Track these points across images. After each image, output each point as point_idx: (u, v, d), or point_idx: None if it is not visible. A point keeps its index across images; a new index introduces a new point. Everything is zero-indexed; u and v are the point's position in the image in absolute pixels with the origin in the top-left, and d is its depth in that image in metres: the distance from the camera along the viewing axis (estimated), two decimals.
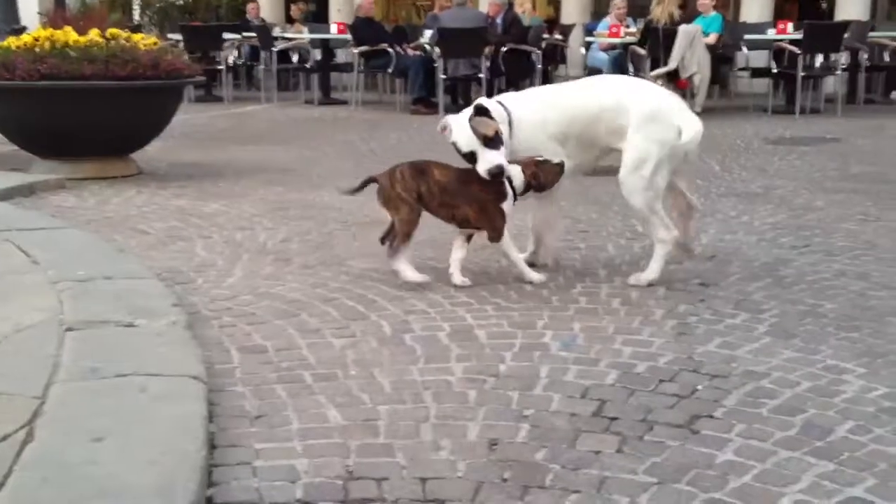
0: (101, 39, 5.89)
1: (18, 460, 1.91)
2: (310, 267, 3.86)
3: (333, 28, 12.97)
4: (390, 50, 11.53)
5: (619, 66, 10.99)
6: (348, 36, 12.11)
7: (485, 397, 2.48)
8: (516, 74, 11.54)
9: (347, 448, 2.18)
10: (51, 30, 6.05)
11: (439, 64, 10.75)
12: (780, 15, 13.72)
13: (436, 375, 2.64)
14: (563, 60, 13.57)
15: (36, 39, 5.93)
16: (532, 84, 11.86)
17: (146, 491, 1.82)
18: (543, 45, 12.04)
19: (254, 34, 12.96)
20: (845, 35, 10.53)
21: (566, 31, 13.85)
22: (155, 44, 6.31)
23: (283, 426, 2.30)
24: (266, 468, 2.08)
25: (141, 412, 2.19)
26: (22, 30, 7.57)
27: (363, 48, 11.57)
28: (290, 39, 13.00)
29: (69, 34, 5.87)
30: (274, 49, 12.64)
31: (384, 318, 3.17)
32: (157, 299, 3.12)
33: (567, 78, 13.68)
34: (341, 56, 13.00)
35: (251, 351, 2.85)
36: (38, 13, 12.24)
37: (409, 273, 3.54)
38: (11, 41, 6.07)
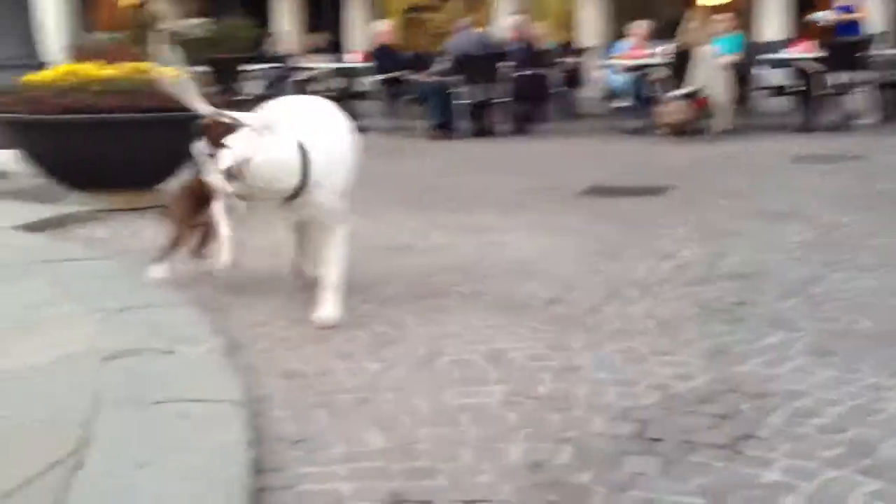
0: (122, 73, 5.96)
1: (68, 487, 1.93)
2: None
3: (352, 57, 13.07)
4: (409, 77, 11.60)
5: (638, 88, 11.01)
6: (369, 64, 12.19)
7: (525, 420, 2.48)
8: (534, 98, 11.57)
9: (390, 471, 2.19)
10: (74, 65, 6.14)
11: (456, 90, 10.81)
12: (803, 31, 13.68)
13: (473, 398, 2.65)
14: (582, 83, 13.59)
15: (60, 75, 6.02)
16: (550, 108, 11.93)
17: None
18: (561, 68, 12.08)
19: (278, 65, 13.08)
20: (867, 52, 10.52)
21: (583, 53, 13.89)
22: (180, 77, 6.37)
23: (324, 450, 2.31)
24: (310, 492, 2.09)
25: (184, 438, 2.21)
26: (45, 65, 7.67)
27: (384, 76, 11.66)
28: (310, 69, 13.11)
29: (92, 69, 5.95)
30: (295, 79, 12.73)
31: (416, 343, 3.18)
32: (193, 327, 3.15)
33: (585, 100, 13.75)
34: (361, 84, 13.08)
35: (289, 376, 2.86)
36: (63, 48, 12.43)
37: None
38: (35, 76, 6.16)
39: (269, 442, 2.35)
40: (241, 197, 3.29)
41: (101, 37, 12.69)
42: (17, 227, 5.00)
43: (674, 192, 6.44)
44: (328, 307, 3.43)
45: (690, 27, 10.67)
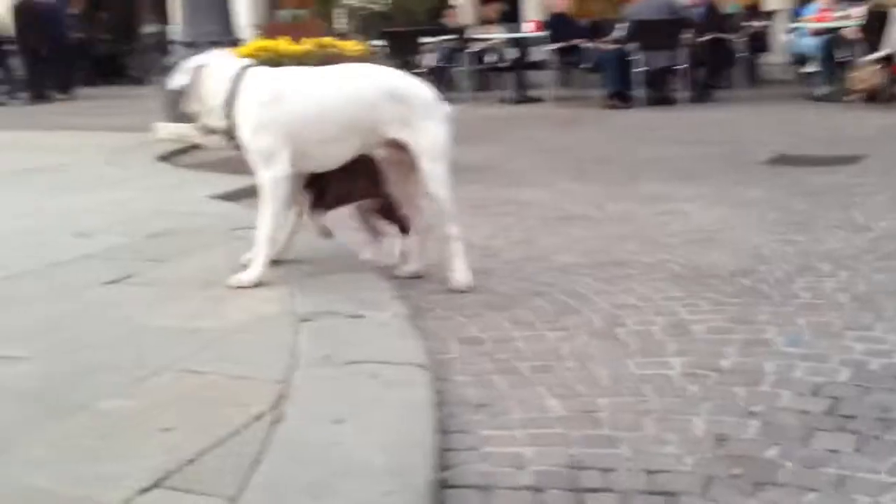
0: (314, 49, 6.19)
1: (269, 440, 2.07)
2: (516, 262, 3.91)
3: (527, 26, 13.03)
4: (585, 45, 11.46)
5: (828, 52, 10.44)
6: (543, 33, 12.13)
7: (708, 392, 2.44)
8: (718, 64, 11.19)
9: (570, 438, 2.21)
10: (267, 41, 6.43)
11: (635, 57, 10.58)
12: None
13: (653, 370, 2.63)
14: (768, 48, 13.01)
15: (254, 51, 6.31)
16: (735, 73, 11.49)
17: (385, 471, 1.92)
18: (745, 32, 11.61)
19: (451, 37, 13.22)
20: None
21: (769, 17, 13.28)
22: (363, 51, 6.58)
23: (505, 415, 2.36)
24: (494, 454, 2.14)
25: (374, 397, 2.31)
26: (239, 42, 8.07)
27: (558, 45, 11.57)
28: (485, 40, 13.18)
29: (285, 44, 6.20)
30: (470, 50, 12.84)
31: (595, 312, 3.18)
32: (378, 292, 3.27)
33: (770, 66, 13.14)
34: (536, 54, 13.03)
35: (469, 342, 2.93)
36: (253, 26, 13.01)
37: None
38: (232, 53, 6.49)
39: (453, 405, 2.42)
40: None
41: (286, 13, 13.20)
42: (213, 196, 5.32)
43: (867, 162, 6.10)
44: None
45: None
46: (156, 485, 1.88)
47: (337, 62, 6.07)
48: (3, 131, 9.62)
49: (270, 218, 3.41)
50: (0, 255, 3.99)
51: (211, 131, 3.65)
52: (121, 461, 1.99)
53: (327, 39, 6.47)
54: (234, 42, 7.81)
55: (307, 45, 6.25)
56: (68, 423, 2.20)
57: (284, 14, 13.42)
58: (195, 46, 8.21)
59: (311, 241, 4.24)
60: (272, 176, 3.38)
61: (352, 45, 6.63)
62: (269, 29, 7.63)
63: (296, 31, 6.86)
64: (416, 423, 2.17)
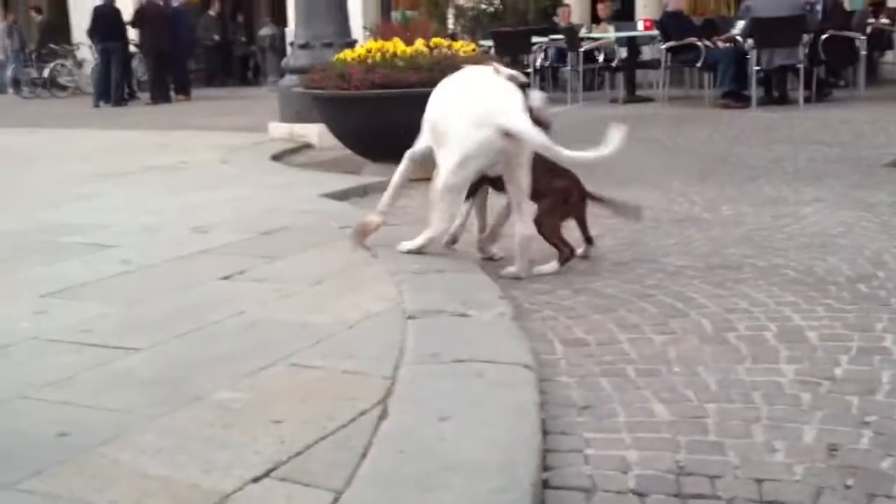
0: (426, 49, 6.27)
1: (377, 433, 2.12)
2: (624, 263, 3.87)
3: (640, 25, 12.86)
4: (699, 43, 11.24)
5: None
6: (654, 32, 11.95)
7: (820, 401, 2.37)
8: (838, 63, 10.81)
9: (677, 443, 2.18)
10: (381, 42, 6.53)
11: (752, 55, 10.31)
12: None
13: (764, 376, 2.57)
14: (891, 46, 12.50)
15: (368, 52, 6.44)
16: (856, 73, 11.08)
17: (491, 468, 1.94)
18: (869, 30, 11.18)
19: (561, 36, 13.16)
20: None
21: (894, 14, 12.75)
22: (473, 51, 6.62)
23: (610, 418, 2.35)
24: (597, 457, 2.13)
25: (479, 396, 2.33)
26: (353, 43, 8.23)
27: (670, 43, 11.38)
28: (595, 39, 13.07)
29: (398, 45, 6.30)
30: (580, 50, 12.76)
31: (704, 316, 3.12)
32: (484, 291, 3.30)
33: (893, 65, 12.60)
34: (647, 53, 12.85)
35: (573, 344, 2.92)
36: (364, 27, 13.24)
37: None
38: (347, 54, 6.63)
39: (557, 406, 2.42)
40: None
41: (398, 15, 13.37)
42: (323, 195, 5.45)
43: None
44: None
45: None
46: (266, 475, 1.95)
47: (448, 62, 6.16)
48: (126, 130, 10.08)
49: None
50: (123, 249, 4.18)
51: None
52: (232, 451, 2.06)
53: (437, 40, 6.52)
54: (349, 44, 7.97)
55: (418, 45, 6.33)
56: (182, 413, 2.29)
57: (396, 15, 13.61)
58: (310, 48, 8.45)
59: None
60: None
61: (462, 46, 6.68)
62: (382, 30, 7.74)
63: (407, 31, 6.94)
64: (521, 422, 2.18)
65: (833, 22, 10.69)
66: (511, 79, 3.68)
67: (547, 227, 3.77)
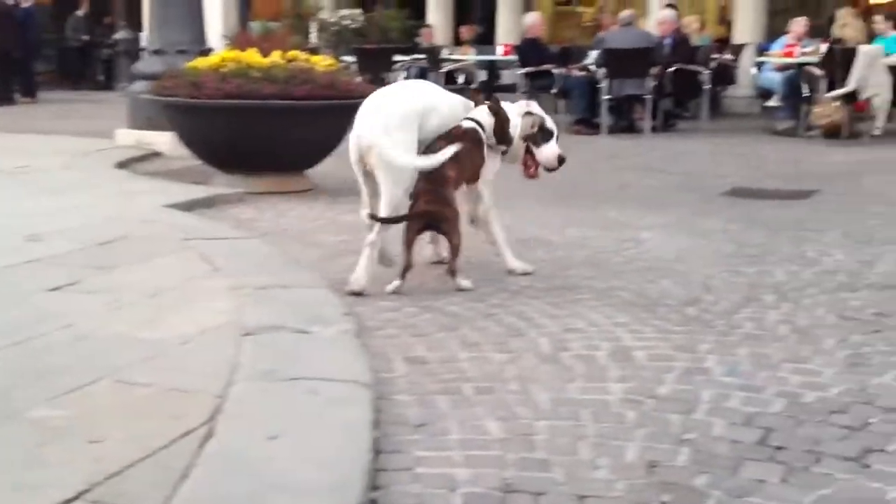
0: (282, 61, 6.19)
1: (201, 453, 2.06)
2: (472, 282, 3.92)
3: (500, 49, 13.13)
4: (555, 70, 11.56)
5: (792, 87, 10.61)
6: (514, 57, 12.22)
7: (644, 419, 2.46)
8: (683, 94, 11.33)
9: (505, 461, 2.22)
10: (237, 51, 6.42)
11: (604, 84, 10.69)
12: None
13: (593, 395, 2.65)
14: (734, 81, 13.21)
15: (222, 61, 6.31)
16: (700, 105, 11.64)
17: (318, 488, 1.92)
18: (713, 64, 11.77)
19: (423, 56, 13.28)
20: None
21: (737, 50, 13.48)
22: (332, 66, 6.58)
23: (443, 435, 2.36)
24: (427, 475, 2.14)
25: (312, 414, 2.31)
26: (209, 51, 8.05)
27: (528, 69, 11.66)
28: (456, 61, 13.26)
29: (253, 56, 6.20)
30: (441, 70, 12.91)
31: (543, 335, 3.19)
32: (328, 308, 3.27)
33: (736, 99, 13.31)
34: (506, 77, 13.13)
35: (414, 362, 2.93)
36: (224, 36, 12.96)
37: (466, 282, 3.77)
38: (200, 62, 6.48)
39: (391, 424, 2.42)
40: None
41: (257, 25, 13.18)
42: (169, 206, 5.29)
43: (823, 197, 6.21)
44: None
45: (843, 24, 10.20)
46: (78, 496, 1.86)
47: (305, 76, 6.11)
48: None
49: None
50: None
51: None
52: (45, 471, 1.97)
53: (295, 52, 6.46)
54: (204, 52, 7.79)
55: (275, 57, 6.25)
56: None
57: (255, 25, 13.38)
58: (163, 54, 8.22)
59: (267, 254, 4.23)
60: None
61: (321, 60, 6.63)
62: (239, 40, 7.60)
63: (266, 43, 6.84)
64: (351, 441, 2.17)
65: (680, 56, 11.20)
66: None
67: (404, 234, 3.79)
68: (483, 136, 3.95)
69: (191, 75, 6.23)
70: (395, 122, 3.73)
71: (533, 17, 12.65)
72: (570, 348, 3.06)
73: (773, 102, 11.17)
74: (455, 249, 3.78)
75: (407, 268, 3.74)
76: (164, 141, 7.60)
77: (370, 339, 3.12)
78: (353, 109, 6.63)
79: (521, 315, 3.43)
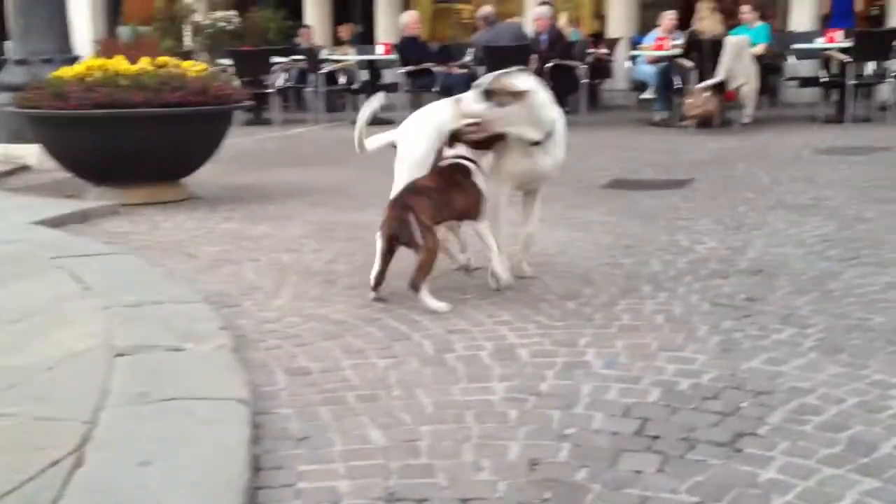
0: (151, 68, 6.02)
1: (68, 486, 1.96)
2: (355, 288, 3.88)
3: (380, 49, 13.10)
4: (435, 69, 11.60)
5: (664, 79, 10.93)
6: (394, 56, 12.21)
7: (526, 417, 2.48)
8: (562, 90, 11.53)
9: (389, 469, 2.20)
10: (102, 59, 6.20)
11: None
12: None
13: (477, 395, 2.65)
14: (610, 75, 13.53)
15: (88, 69, 6.09)
16: (578, 99, 11.87)
17: None
18: (589, 59, 12.03)
19: (302, 57, 13.14)
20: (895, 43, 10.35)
21: (612, 45, 13.81)
22: (204, 70, 6.43)
23: (326, 448, 2.33)
24: (309, 490, 2.11)
25: (187, 436, 2.24)
26: (75, 59, 7.75)
27: (408, 68, 11.67)
28: (337, 61, 13.16)
29: (120, 63, 6.01)
30: (321, 71, 12.80)
31: (427, 338, 3.19)
32: (204, 323, 3.18)
33: (613, 92, 13.64)
34: (388, 76, 13.11)
35: (296, 373, 2.88)
36: (94, 41, 12.54)
37: (434, 302, 3.52)
38: (64, 71, 6.24)
39: (272, 440, 2.37)
40: None
41: (127, 30, 12.77)
42: (36, 223, 5.07)
43: (697, 185, 6.41)
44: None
45: (701, 17, 10.58)
46: None
47: (176, 82, 5.95)
48: None
49: None
50: None
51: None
52: None
53: (165, 58, 6.29)
54: (71, 60, 7.50)
55: (143, 63, 6.07)
56: None
57: (125, 30, 12.95)
58: (27, 64, 7.88)
59: (141, 269, 4.10)
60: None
61: (192, 65, 6.47)
62: (106, 47, 7.35)
63: (134, 49, 6.64)
64: (228, 461, 2.11)
65: (557, 51, 11.39)
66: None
67: None
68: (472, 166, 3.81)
69: (55, 86, 5.99)
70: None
71: (410, 15, 12.68)
72: (454, 349, 3.06)
73: (647, 95, 11.48)
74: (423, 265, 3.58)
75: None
76: (34, 154, 7.31)
77: (251, 351, 3.06)
78: (226, 114, 6.56)
79: (405, 318, 3.41)
